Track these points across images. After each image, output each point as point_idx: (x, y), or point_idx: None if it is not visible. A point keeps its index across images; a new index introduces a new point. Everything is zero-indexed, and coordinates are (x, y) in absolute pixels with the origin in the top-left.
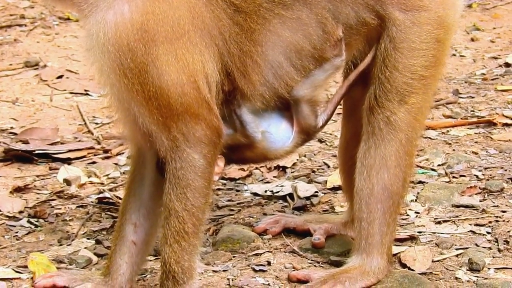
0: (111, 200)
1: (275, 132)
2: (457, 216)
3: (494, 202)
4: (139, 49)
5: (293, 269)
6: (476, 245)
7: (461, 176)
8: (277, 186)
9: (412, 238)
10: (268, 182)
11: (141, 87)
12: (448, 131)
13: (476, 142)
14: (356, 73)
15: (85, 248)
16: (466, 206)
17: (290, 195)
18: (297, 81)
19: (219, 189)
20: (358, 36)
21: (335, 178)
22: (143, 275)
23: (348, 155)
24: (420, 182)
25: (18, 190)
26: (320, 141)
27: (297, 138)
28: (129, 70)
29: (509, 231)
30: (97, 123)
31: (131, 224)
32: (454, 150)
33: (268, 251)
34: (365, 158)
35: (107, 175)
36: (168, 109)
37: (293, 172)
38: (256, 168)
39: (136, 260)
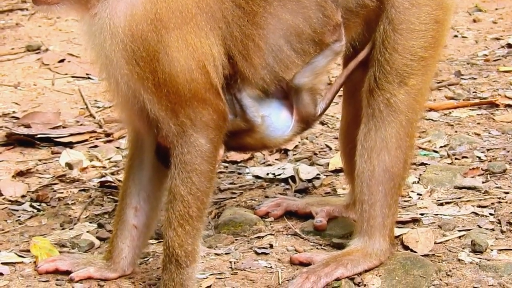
0: (113, 184)
1: (275, 120)
2: (459, 198)
3: (496, 184)
4: (152, 38)
5: (295, 252)
6: (479, 226)
7: (463, 157)
8: (279, 168)
9: (414, 220)
10: (270, 165)
11: (151, 75)
12: (450, 112)
13: (478, 124)
14: (356, 63)
15: (87, 232)
16: (469, 188)
17: (292, 178)
18: (298, 65)
19: (221, 172)
20: (357, 19)
21: (337, 161)
22: (146, 259)
23: (349, 138)
24: (422, 164)
25: (20, 174)
26: (322, 123)
27: (297, 127)
28: (141, 59)
29: (511, 212)
30: (98, 107)
31: (132, 208)
32: (456, 131)
33: (270, 234)
34: (365, 141)
35: (109, 159)
36: (176, 95)
37: (295, 154)
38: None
39: (137, 243)
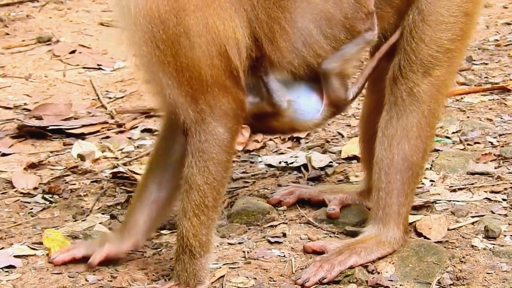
0: (125, 175)
1: (304, 103)
2: (472, 184)
3: (509, 169)
4: (170, 20)
5: (308, 240)
6: (492, 212)
7: (475, 143)
8: (291, 157)
9: (427, 207)
10: (282, 153)
11: (173, 59)
12: (462, 98)
13: (490, 109)
14: (387, 46)
15: (99, 223)
16: (481, 173)
17: (305, 166)
18: (327, 51)
19: (233, 161)
20: (390, 9)
21: (349, 148)
22: (159, 249)
23: (369, 125)
24: (435, 150)
25: (32, 166)
26: None
27: (327, 111)
28: (161, 41)
29: None
30: (110, 98)
31: (155, 183)
32: (468, 117)
33: (283, 223)
34: (386, 128)
35: (121, 150)
36: (198, 81)
37: (307, 142)
38: (270, 140)
39: (155, 217)
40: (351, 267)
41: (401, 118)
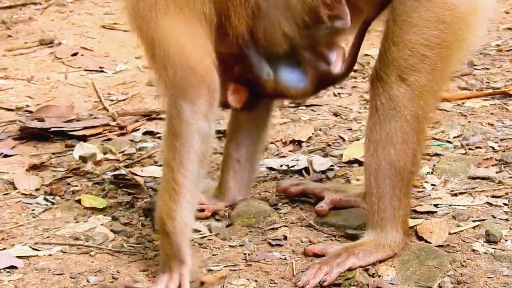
0: (126, 177)
1: (286, 73)
2: (473, 188)
3: (510, 174)
4: None
5: (309, 243)
6: (493, 216)
7: (477, 147)
8: (292, 160)
9: (428, 211)
10: (283, 157)
11: (142, 32)
12: (463, 103)
13: (491, 114)
14: (364, 24)
15: (101, 224)
16: (483, 178)
17: (306, 169)
18: (294, 32)
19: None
20: (364, 2)
21: (351, 152)
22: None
23: None
24: (436, 154)
25: (34, 167)
26: (336, 114)
27: (313, 82)
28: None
29: None
30: (112, 100)
31: (234, 143)
32: (469, 122)
33: (285, 226)
34: (371, 134)
35: (122, 152)
36: (165, 54)
37: (308, 146)
38: (271, 143)
39: (242, 176)
40: (350, 269)
41: (383, 123)
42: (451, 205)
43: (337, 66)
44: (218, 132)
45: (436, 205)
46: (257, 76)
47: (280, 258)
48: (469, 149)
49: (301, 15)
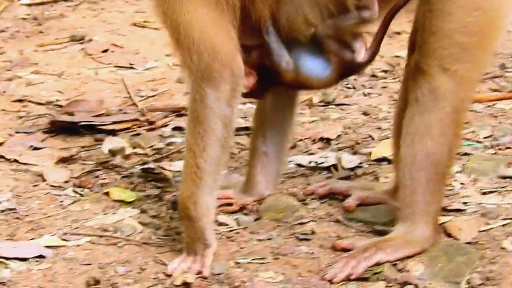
0: (155, 171)
1: (309, 61)
2: (503, 187)
3: None
4: None
5: (337, 238)
6: None
7: (507, 148)
8: (321, 157)
9: (457, 209)
10: (312, 154)
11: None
12: (494, 104)
13: None
14: (390, 12)
15: (129, 217)
16: None
17: (334, 166)
18: (318, 20)
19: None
20: None
21: (379, 150)
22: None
23: (399, 122)
24: (465, 153)
25: (63, 160)
26: (365, 113)
27: (336, 70)
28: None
29: None
30: (141, 96)
31: (261, 136)
32: (500, 123)
33: (313, 220)
34: (409, 125)
35: (151, 146)
36: (188, 40)
37: (337, 144)
38: (300, 140)
39: (269, 169)
40: (378, 264)
41: (423, 115)
42: (480, 203)
43: (360, 54)
44: (246, 128)
45: (465, 203)
46: (276, 64)
47: (308, 252)
48: (499, 149)
49: (327, 3)
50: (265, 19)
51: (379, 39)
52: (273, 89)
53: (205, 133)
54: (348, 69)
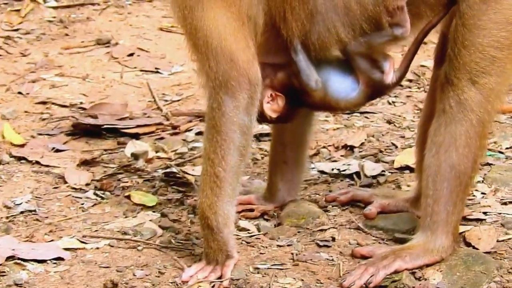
0: (177, 175)
1: (336, 83)
2: None
3: None
4: None
5: (357, 245)
6: None
7: None
8: (344, 164)
9: (477, 218)
10: (335, 161)
11: (189, 29)
12: None
13: None
14: (423, 32)
15: (150, 220)
16: None
17: (357, 174)
18: (350, 38)
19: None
20: (425, 7)
21: (402, 158)
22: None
23: (424, 132)
24: (487, 164)
25: (85, 163)
26: (389, 122)
27: (365, 91)
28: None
29: None
30: (166, 100)
31: (280, 145)
32: None
33: (333, 227)
34: (435, 136)
35: (174, 151)
36: (210, 52)
37: (360, 151)
38: (324, 147)
39: (290, 177)
40: (396, 272)
41: (449, 126)
42: (500, 213)
43: (390, 75)
44: (268, 134)
45: (485, 213)
46: (304, 83)
47: (327, 259)
48: None
49: (360, 21)
50: (297, 37)
51: (408, 60)
52: (300, 112)
53: (224, 142)
54: (376, 90)
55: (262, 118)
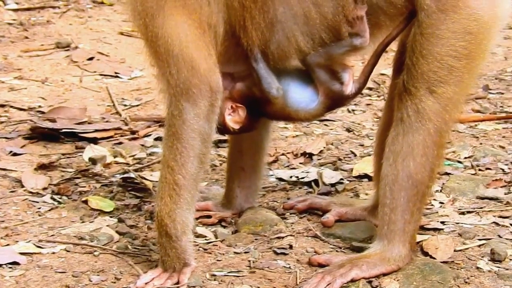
0: (135, 180)
1: (296, 93)
2: (481, 208)
3: None
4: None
5: (314, 253)
6: (499, 236)
7: (487, 169)
8: (302, 172)
9: (435, 228)
10: (294, 168)
11: (149, 36)
12: (476, 125)
13: (503, 137)
14: (383, 44)
15: (107, 225)
16: (491, 198)
17: (315, 182)
18: (310, 48)
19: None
20: (384, 17)
21: (361, 167)
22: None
23: (382, 140)
24: (446, 173)
25: (42, 167)
26: (348, 130)
27: (324, 102)
28: (140, 17)
29: None
30: (125, 105)
31: (237, 152)
32: (481, 143)
33: (291, 235)
34: (392, 144)
35: (133, 156)
36: (171, 60)
37: (319, 159)
38: (283, 154)
39: (247, 184)
40: (353, 280)
41: (406, 135)
42: (458, 223)
43: (349, 86)
44: (227, 141)
45: (443, 222)
46: (265, 91)
47: (284, 266)
48: (479, 170)
49: (319, 31)
50: (256, 46)
51: (368, 72)
52: (261, 120)
53: (184, 149)
54: (335, 101)
55: (225, 130)
